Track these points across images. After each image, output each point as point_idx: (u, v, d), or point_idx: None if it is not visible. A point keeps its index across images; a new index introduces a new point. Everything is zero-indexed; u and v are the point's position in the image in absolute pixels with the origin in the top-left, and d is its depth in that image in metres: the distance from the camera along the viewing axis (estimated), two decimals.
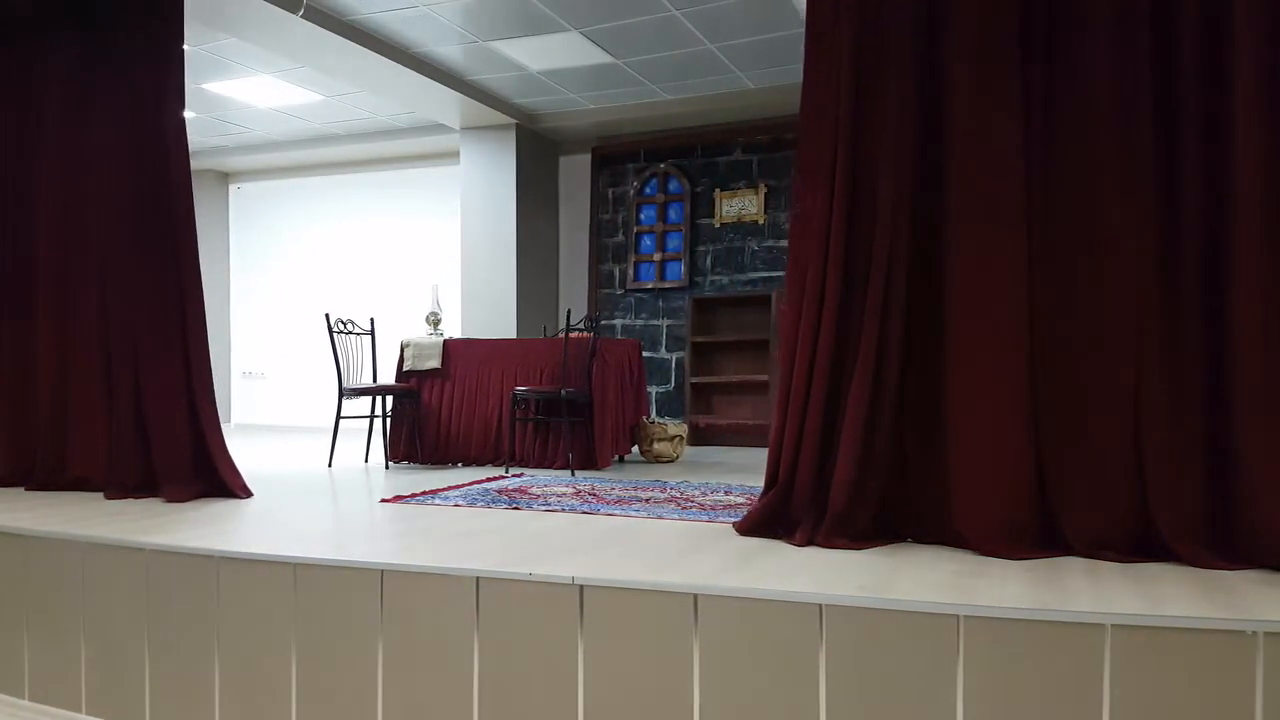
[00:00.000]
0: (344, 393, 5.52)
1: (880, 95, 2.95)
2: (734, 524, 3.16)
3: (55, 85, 4.29)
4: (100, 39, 4.19)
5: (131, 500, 3.87)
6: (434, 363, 5.76)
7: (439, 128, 7.97)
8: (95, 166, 4.19)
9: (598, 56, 6.26)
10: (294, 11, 5.28)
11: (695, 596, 2.27)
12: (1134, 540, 2.60)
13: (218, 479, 3.97)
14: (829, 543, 2.78)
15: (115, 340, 4.08)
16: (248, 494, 4.00)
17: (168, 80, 4.12)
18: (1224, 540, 2.54)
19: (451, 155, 8.38)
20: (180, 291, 4.07)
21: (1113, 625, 1.99)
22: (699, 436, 7.31)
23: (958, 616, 2.08)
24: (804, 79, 3.10)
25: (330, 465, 5.56)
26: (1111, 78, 2.71)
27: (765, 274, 7.37)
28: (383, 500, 3.98)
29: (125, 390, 4.03)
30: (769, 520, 2.98)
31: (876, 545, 2.79)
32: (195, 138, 8.51)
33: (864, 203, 2.94)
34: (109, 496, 3.93)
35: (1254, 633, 1.92)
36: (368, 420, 5.90)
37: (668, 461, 5.86)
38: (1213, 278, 2.61)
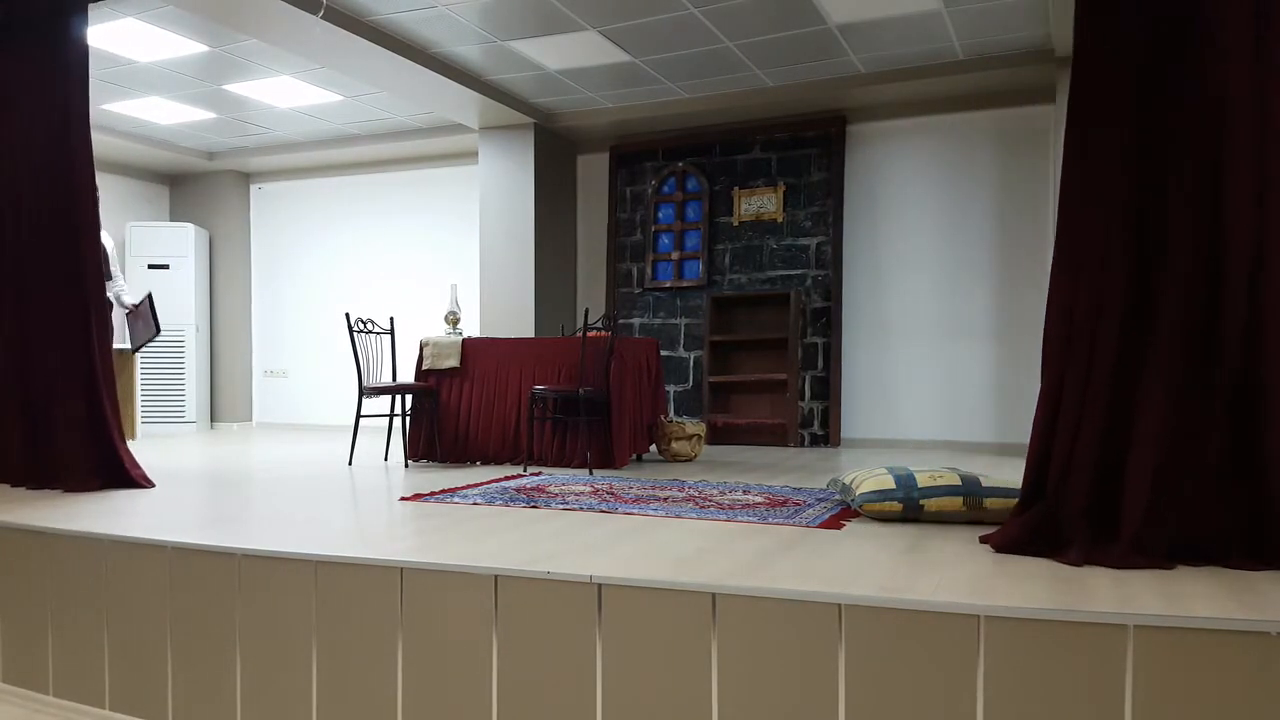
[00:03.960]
0: (364, 391, 5.55)
1: None
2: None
3: None
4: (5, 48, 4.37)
5: (45, 491, 4.10)
6: (453, 362, 5.79)
7: (457, 128, 7.99)
8: None
9: (616, 55, 6.26)
10: (313, 12, 5.31)
11: (714, 596, 2.27)
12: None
13: (121, 471, 4.20)
14: (1119, 563, 2.47)
15: (20, 338, 4.29)
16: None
17: (72, 88, 4.27)
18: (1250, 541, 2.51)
19: (470, 155, 8.41)
20: (84, 292, 4.23)
21: (1135, 626, 1.98)
22: (717, 435, 7.30)
23: (978, 617, 2.07)
24: None
25: (350, 463, 5.59)
26: None
27: (784, 272, 7.34)
28: (402, 499, 4.00)
29: (36, 385, 4.24)
30: (1031, 537, 2.68)
31: (1170, 567, 2.47)
32: (216, 138, 8.58)
33: (1167, 153, 2.62)
34: (30, 488, 4.17)
35: (1278, 634, 1.90)
36: (387, 419, 5.93)
37: (685, 460, 5.85)
38: (1251, 285, 2.55)
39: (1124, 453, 2.60)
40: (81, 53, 4.33)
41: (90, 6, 4.55)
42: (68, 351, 4.22)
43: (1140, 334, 2.62)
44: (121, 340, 5.84)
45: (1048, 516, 2.69)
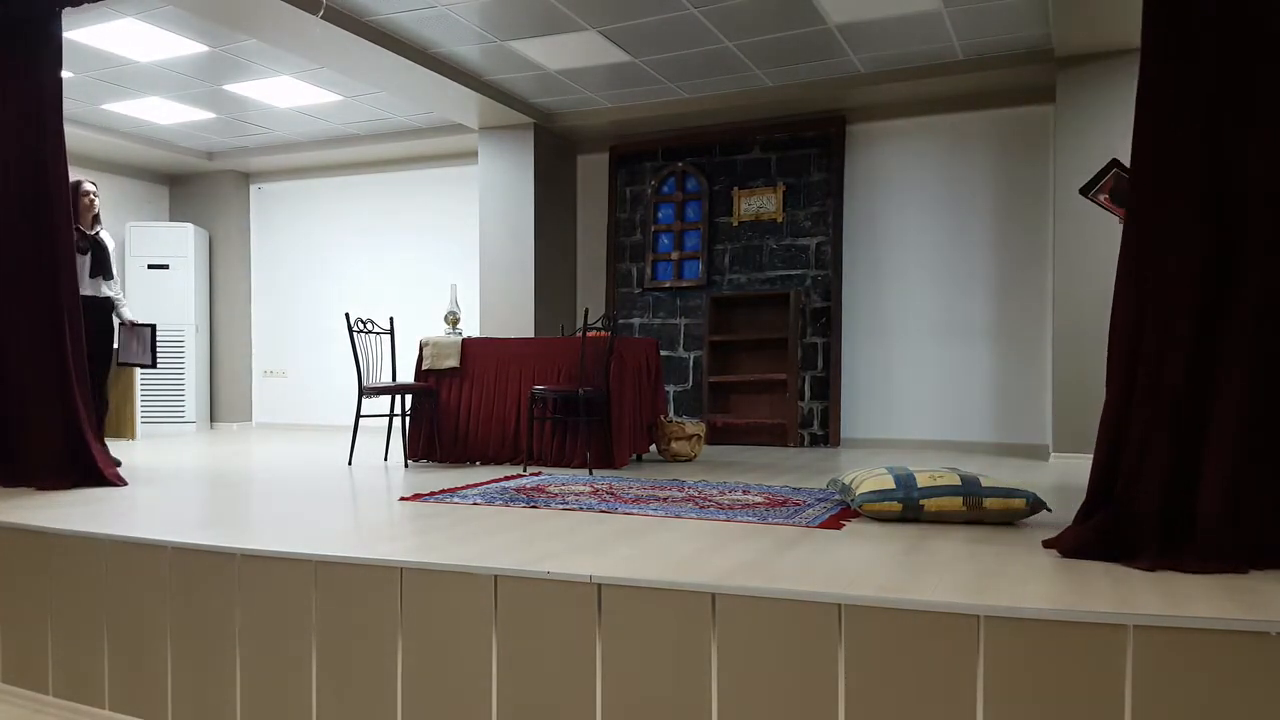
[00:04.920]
0: (364, 392, 5.55)
1: None
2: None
3: None
4: None
5: (18, 489, 4.12)
6: (452, 362, 5.79)
7: (457, 128, 7.99)
8: None
9: (615, 55, 6.26)
10: (313, 12, 5.31)
11: (713, 595, 2.27)
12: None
13: (94, 470, 4.24)
14: (1195, 568, 2.39)
15: None
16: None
17: (46, 92, 4.33)
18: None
19: (470, 155, 8.40)
20: (57, 291, 4.26)
21: (1134, 626, 1.98)
22: (716, 435, 7.30)
23: (978, 617, 2.07)
24: None
25: (350, 463, 5.59)
26: None
27: (784, 272, 7.34)
28: (402, 499, 4.00)
29: (8, 384, 4.28)
30: (1100, 542, 2.57)
31: (1245, 571, 2.39)
32: (216, 138, 8.58)
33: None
34: (3, 486, 4.20)
35: (1278, 634, 1.90)
36: (387, 419, 5.93)
37: (685, 460, 5.85)
38: None
39: (1199, 452, 2.50)
40: (55, 56, 4.36)
41: (89, 6, 4.56)
42: (40, 350, 4.23)
43: (1217, 325, 2.51)
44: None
45: (1118, 520, 2.57)
